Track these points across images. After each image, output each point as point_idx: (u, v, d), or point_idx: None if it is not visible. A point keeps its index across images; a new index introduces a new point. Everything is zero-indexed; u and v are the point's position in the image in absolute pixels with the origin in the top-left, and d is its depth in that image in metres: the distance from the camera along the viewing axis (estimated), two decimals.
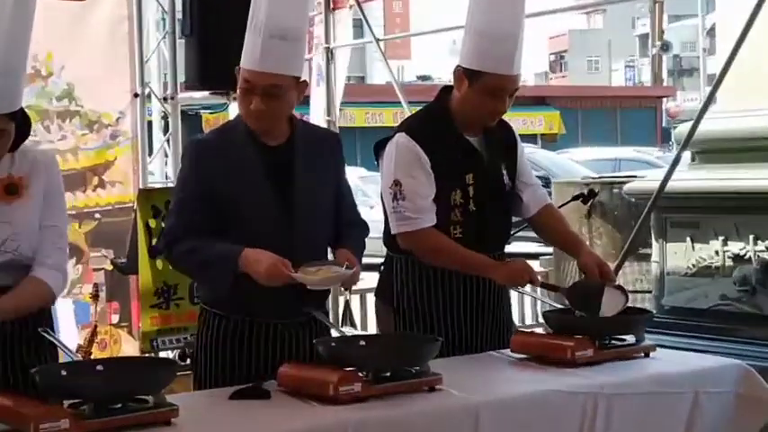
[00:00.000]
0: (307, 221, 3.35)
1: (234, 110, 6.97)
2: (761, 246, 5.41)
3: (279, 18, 3.23)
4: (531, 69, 49.40)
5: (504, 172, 3.80)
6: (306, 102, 7.08)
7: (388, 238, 3.75)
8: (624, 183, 6.86)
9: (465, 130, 3.73)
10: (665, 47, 37.70)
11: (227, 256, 3.20)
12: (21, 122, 3.03)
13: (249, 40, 3.26)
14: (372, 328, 7.35)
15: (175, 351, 5.23)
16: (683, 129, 5.82)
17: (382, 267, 3.85)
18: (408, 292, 3.74)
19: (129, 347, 5.93)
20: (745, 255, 5.49)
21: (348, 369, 2.97)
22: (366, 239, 3.57)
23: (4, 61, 2.89)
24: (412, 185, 3.62)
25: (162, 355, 5.19)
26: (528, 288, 3.84)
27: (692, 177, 5.84)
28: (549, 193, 13.68)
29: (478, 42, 3.61)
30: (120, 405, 2.65)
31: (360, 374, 2.95)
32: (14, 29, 2.90)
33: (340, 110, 7.59)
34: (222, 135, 3.43)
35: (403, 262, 3.75)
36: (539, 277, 3.73)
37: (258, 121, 3.32)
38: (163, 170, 6.68)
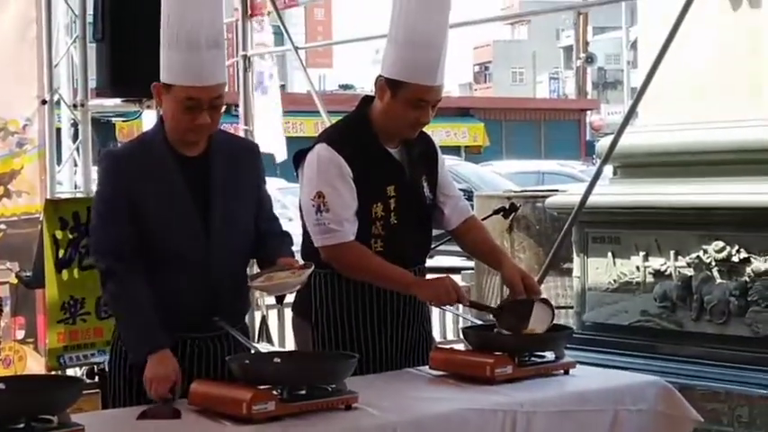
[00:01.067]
0: (224, 233, 3.30)
1: (147, 117, 6.84)
2: (681, 261, 5.43)
3: (205, 27, 3.18)
4: (455, 80, 49.82)
5: (425, 184, 3.76)
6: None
7: (307, 251, 3.66)
8: (546, 197, 6.84)
9: (386, 141, 3.68)
10: (590, 59, 38.27)
11: (144, 338, 3.18)
12: None
13: (178, 55, 3.18)
14: (290, 344, 7.25)
15: (84, 368, 5.06)
16: (605, 142, 5.82)
17: None
18: (327, 307, 3.68)
19: (35, 364, 5.77)
20: (665, 270, 5.50)
21: (262, 387, 2.92)
22: None
23: None
24: (335, 197, 3.56)
25: (69, 372, 5.04)
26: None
27: (614, 192, 5.85)
28: (472, 206, 13.74)
29: (401, 52, 3.57)
30: (22, 425, 2.59)
31: (274, 392, 2.91)
32: None
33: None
34: (139, 146, 3.38)
35: (322, 276, 3.67)
36: (467, 295, 3.67)
37: (202, 135, 3.28)
38: (72, 179, 6.50)
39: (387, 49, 3.64)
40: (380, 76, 3.63)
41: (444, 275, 3.62)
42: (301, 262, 3.37)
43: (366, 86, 37.91)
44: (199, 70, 3.18)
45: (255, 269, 3.45)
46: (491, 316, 3.64)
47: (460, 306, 4.00)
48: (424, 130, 3.77)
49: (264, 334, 7.10)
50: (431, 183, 3.78)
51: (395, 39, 3.60)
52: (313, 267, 3.27)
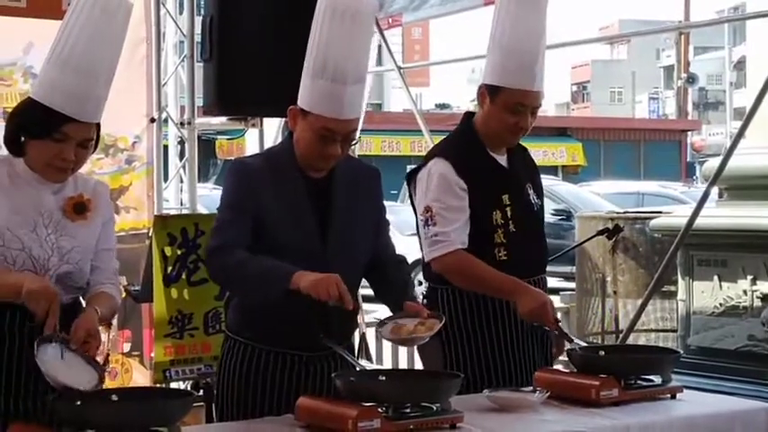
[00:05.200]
0: (341, 255, 3.32)
1: (250, 136, 6.93)
2: None
3: (353, 61, 3.22)
4: (552, 100, 49.47)
5: (531, 191, 3.83)
6: None
7: (428, 269, 3.73)
8: (650, 218, 6.77)
9: (493, 150, 3.78)
10: (691, 79, 37.67)
11: (281, 273, 3.15)
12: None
13: (322, 85, 3.21)
14: (388, 362, 7.25)
15: (187, 382, 5.14)
16: (712, 164, 5.74)
17: (425, 300, 3.80)
18: (458, 323, 3.71)
19: (140, 377, 5.85)
20: None
21: (367, 404, 2.93)
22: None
23: (108, 71, 3.02)
24: (441, 210, 3.63)
25: (174, 385, 5.11)
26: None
27: (720, 214, 5.77)
28: (572, 227, 13.57)
29: (500, 58, 3.68)
30: None
31: (379, 410, 2.91)
32: (118, 38, 3.04)
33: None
34: (267, 161, 3.41)
35: (449, 292, 3.73)
36: (556, 323, 3.66)
37: (330, 164, 3.32)
38: (178, 197, 6.60)
39: (487, 57, 3.75)
40: (481, 84, 3.74)
41: (544, 295, 3.63)
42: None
43: (462, 105, 37.89)
44: (340, 103, 3.20)
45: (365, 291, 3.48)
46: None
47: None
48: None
49: (364, 351, 7.11)
50: (535, 189, 3.86)
51: (494, 46, 3.71)
52: (443, 320, 3.25)
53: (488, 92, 3.71)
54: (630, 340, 6.20)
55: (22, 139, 3.03)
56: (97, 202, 3.15)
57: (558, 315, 3.75)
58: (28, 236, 3.02)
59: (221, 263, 3.26)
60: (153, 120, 6.14)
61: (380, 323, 3.31)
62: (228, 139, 7.59)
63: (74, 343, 2.87)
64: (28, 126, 3.01)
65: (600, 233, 6.79)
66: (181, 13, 6.49)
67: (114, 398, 2.80)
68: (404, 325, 3.24)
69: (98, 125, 3.08)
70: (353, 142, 3.34)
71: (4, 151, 3.12)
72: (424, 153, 4.03)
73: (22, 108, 3.08)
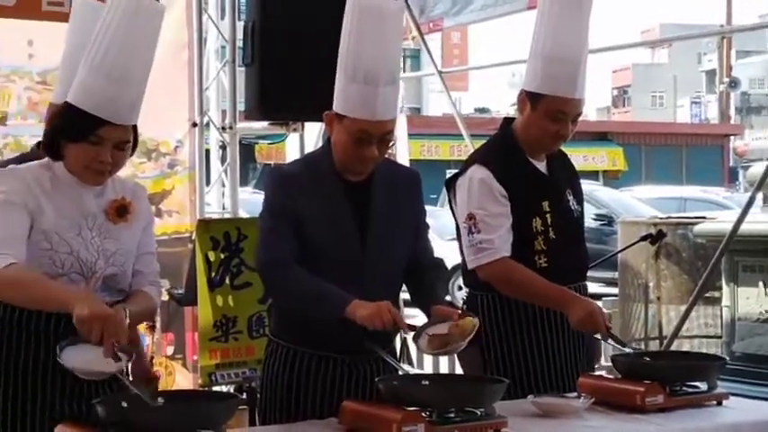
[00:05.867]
0: (380, 259, 3.32)
1: (291, 141, 6.94)
2: None
3: (385, 62, 3.21)
4: (593, 104, 49.25)
5: (571, 197, 3.81)
6: None
7: (468, 275, 3.73)
8: (693, 224, 6.72)
9: (532, 156, 3.75)
10: (734, 83, 37.34)
11: (336, 302, 3.16)
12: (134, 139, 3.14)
13: (355, 88, 3.21)
14: (429, 366, 7.24)
15: (230, 386, 5.15)
16: (757, 169, 5.70)
17: (465, 306, 3.80)
18: (498, 329, 3.70)
19: (184, 380, 5.88)
20: None
21: (411, 409, 2.92)
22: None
23: (142, 74, 3.03)
24: (485, 217, 3.61)
25: (217, 389, 5.12)
26: None
27: (766, 220, 5.69)
28: (613, 232, 13.50)
29: (542, 65, 3.65)
30: None
31: (423, 414, 2.91)
32: (150, 41, 3.05)
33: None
34: (306, 166, 3.42)
35: (489, 299, 3.72)
36: (608, 330, 3.62)
37: (368, 167, 3.32)
38: (220, 201, 6.62)
39: (528, 63, 3.72)
40: (522, 90, 3.72)
41: (594, 303, 3.61)
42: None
43: (502, 110, 37.80)
44: (374, 105, 3.20)
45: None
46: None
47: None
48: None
49: (405, 356, 7.11)
50: (575, 195, 3.83)
51: (536, 53, 3.68)
52: (477, 323, 3.22)
53: (529, 98, 3.68)
54: (674, 347, 6.15)
55: (61, 143, 3.05)
56: (137, 204, 3.18)
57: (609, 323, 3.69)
58: (75, 239, 3.04)
59: (276, 280, 3.29)
60: (195, 124, 6.18)
61: (415, 335, 3.29)
62: (270, 144, 7.60)
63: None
64: (65, 130, 3.04)
65: (643, 239, 6.75)
66: (222, 18, 6.52)
67: (160, 401, 2.80)
68: (438, 334, 3.21)
69: (134, 127, 3.10)
70: (390, 144, 3.32)
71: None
72: (463, 157, 4.02)
73: (60, 112, 3.10)
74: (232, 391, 5.10)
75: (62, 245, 3.02)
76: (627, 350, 3.60)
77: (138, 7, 3.00)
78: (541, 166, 3.78)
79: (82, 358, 2.81)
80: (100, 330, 2.75)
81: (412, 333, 3.25)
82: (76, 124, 3.00)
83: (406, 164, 7.96)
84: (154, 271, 3.24)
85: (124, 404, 2.75)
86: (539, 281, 3.61)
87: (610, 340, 3.63)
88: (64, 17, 5.17)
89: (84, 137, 2.99)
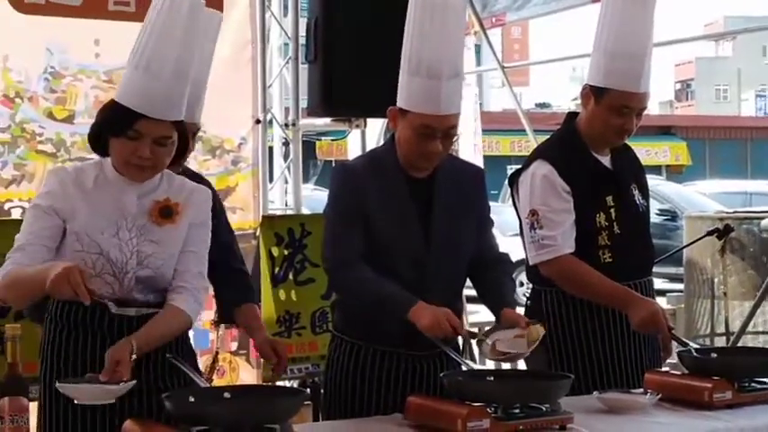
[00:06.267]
0: (443, 255, 3.33)
1: (352, 138, 6.96)
2: None
3: (448, 56, 3.21)
4: (655, 98, 48.56)
5: (636, 192, 3.78)
6: None
7: (532, 271, 3.72)
8: (760, 218, 6.62)
9: (596, 151, 3.74)
10: None
11: (401, 303, 3.18)
12: (181, 137, 3.10)
13: (418, 83, 3.22)
14: (491, 362, 7.21)
15: (294, 381, 5.18)
16: None
17: (528, 302, 3.81)
18: (562, 325, 3.70)
19: (247, 375, 5.91)
20: None
21: (476, 404, 2.92)
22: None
23: (176, 68, 2.99)
24: (548, 213, 3.60)
25: (280, 384, 5.15)
26: None
27: None
28: (677, 228, 13.34)
29: (606, 59, 3.64)
30: None
31: (488, 410, 2.90)
32: (188, 36, 3.01)
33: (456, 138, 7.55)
34: (371, 162, 3.43)
35: (553, 295, 3.71)
36: (670, 331, 3.60)
37: (432, 162, 3.32)
38: (283, 197, 6.65)
39: (592, 57, 3.71)
40: (586, 84, 3.70)
41: (655, 304, 3.59)
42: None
43: (563, 104, 37.51)
44: (437, 100, 3.20)
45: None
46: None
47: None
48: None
49: (468, 351, 7.08)
50: (641, 190, 3.81)
51: (600, 47, 3.67)
52: (543, 333, 3.22)
53: (593, 93, 3.67)
54: (740, 343, 6.07)
55: (106, 138, 3.06)
56: (188, 206, 3.13)
57: (671, 323, 3.66)
58: (107, 240, 3.03)
59: (342, 279, 3.32)
60: (258, 121, 6.20)
61: (479, 340, 3.29)
62: (332, 140, 7.63)
63: (103, 375, 2.86)
64: (106, 125, 3.05)
65: (710, 233, 6.68)
66: (285, 15, 6.55)
67: (227, 395, 2.82)
68: (503, 341, 3.21)
69: (181, 123, 3.07)
70: (454, 138, 3.32)
71: None
72: (524, 153, 4.02)
73: (104, 108, 3.12)
74: (296, 386, 5.14)
75: (92, 246, 3.03)
76: (690, 346, 3.56)
77: (171, 2, 3.00)
78: (605, 160, 3.76)
79: (83, 390, 2.86)
80: (70, 287, 2.74)
81: (473, 328, 3.25)
82: (115, 119, 3.01)
83: (480, 158, 7.96)
84: (194, 271, 3.14)
85: (191, 398, 2.77)
86: (601, 279, 3.59)
87: (672, 341, 3.61)
88: (130, 17, 5.25)
89: (122, 131, 2.99)
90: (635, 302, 3.57)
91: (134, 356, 2.88)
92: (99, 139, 3.08)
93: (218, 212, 3.57)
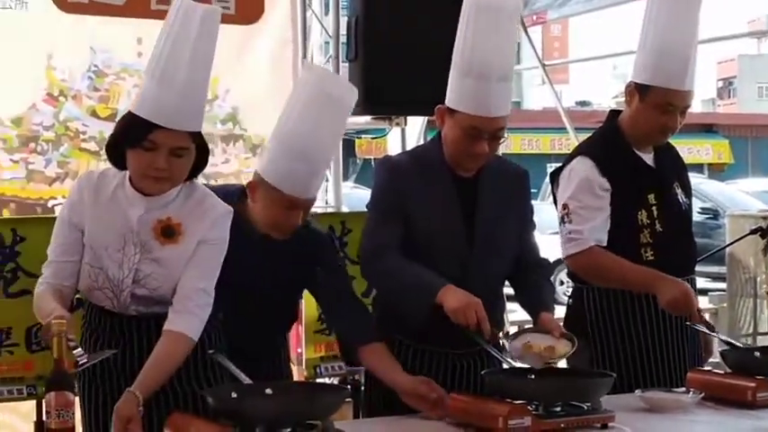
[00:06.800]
0: (486, 256, 3.34)
1: (392, 136, 6.95)
2: None
3: (498, 59, 3.22)
4: (697, 95, 47.97)
5: (679, 190, 3.78)
6: None
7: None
8: None
9: (638, 148, 3.74)
10: None
11: (429, 286, 3.16)
12: (199, 149, 3.06)
13: (468, 83, 3.22)
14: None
15: (335, 378, 5.19)
16: None
17: (570, 300, 3.81)
18: (603, 322, 3.70)
19: None
20: None
21: (517, 402, 2.92)
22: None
23: (189, 78, 2.96)
24: (578, 208, 3.62)
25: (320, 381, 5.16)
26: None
27: None
28: (719, 226, 13.25)
29: (651, 57, 3.64)
30: (289, 429, 2.66)
31: (529, 408, 2.91)
32: (201, 45, 2.98)
33: None
34: (416, 159, 3.43)
35: (595, 292, 3.72)
36: (699, 313, 3.59)
37: (478, 163, 3.32)
38: (323, 195, 6.66)
39: (637, 54, 3.71)
40: (630, 81, 3.70)
41: (685, 285, 3.57)
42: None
43: (603, 102, 37.26)
44: (486, 101, 3.21)
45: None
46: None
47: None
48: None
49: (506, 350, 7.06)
50: (683, 188, 3.80)
51: (645, 45, 3.67)
52: (576, 345, 3.18)
53: (638, 90, 3.67)
54: None
55: (123, 150, 3.03)
56: (198, 221, 3.05)
57: (706, 315, 3.65)
58: (109, 256, 3.03)
59: (375, 268, 3.31)
60: None
61: (512, 336, 3.29)
62: (372, 138, 7.63)
63: None
64: (122, 136, 3.03)
65: (752, 232, 6.61)
66: (326, 13, 6.57)
67: (269, 391, 2.83)
68: (533, 345, 3.21)
69: (199, 135, 3.02)
70: (501, 140, 3.32)
71: None
72: (564, 151, 4.02)
73: (121, 120, 3.10)
74: (336, 383, 5.15)
75: (95, 260, 3.05)
76: (717, 336, 3.57)
77: (187, 10, 2.97)
78: (648, 158, 3.75)
79: None
80: (56, 338, 2.68)
81: (513, 327, 3.24)
82: (131, 129, 2.98)
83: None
84: (196, 287, 3.03)
85: (234, 394, 2.79)
86: (626, 264, 3.59)
87: (699, 325, 3.60)
88: None
89: (138, 142, 2.96)
90: (663, 282, 3.55)
91: (141, 409, 2.82)
92: (116, 151, 3.05)
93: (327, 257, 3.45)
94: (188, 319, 3.00)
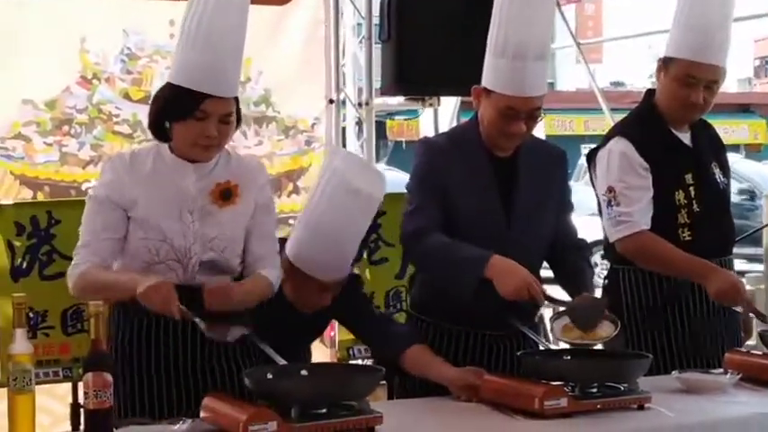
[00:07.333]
0: (524, 234, 3.32)
1: (425, 118, 6.93)
2: None
3: (535, 39, 3.20)
4: (733, 75, 47.68)
5: (716, 170, 3.74)
6: None
7: (610, 249, 3.70)
8: None
9: (675, 127, 3.71)
10: None
11: (476, 260, 3.14)
12: (237, 113, 3.11)
13: (504, 64, 3.20)
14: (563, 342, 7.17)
15: (368, 360, 5.20)
16: None
17: (606, 281, 3.78)
18: (640, 304, 3.68)
19: (321, 355, 5.93)
20: None
21: (554, 383, 2.92)
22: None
23: (234, 44, 3.00)
24: (625, 190, 3.58)
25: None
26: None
27: None
28: (755, 207, 13.12)
29: (679, 31, 3.63)
30: (324, 410, 2.66)
31: (566, 389, 2.90)
32: (239, 13, 3.01)
33: None
34: (454, 140, 3.42)
35: (631, 273, 3.69)
36: (749, 303, 3.57)
37: (515, 142, 3.30)
38: None
39: (670, 31, 3.69)
40: (660, 58, 3.70)
41: (734, 275, 3.57)
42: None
43: (637, 83, 36.98)
44: (522, 81, 3.19)
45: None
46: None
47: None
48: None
49: (543, 332, 7.04)
50: (721, 168, 3.77)
51: (677, 21, 3.65)
52: (618, 326, 3.16)
53: (663, 65, 3.66)
54: None
55: (167, 124, 3.05)
56: (248, 183, 3.13)
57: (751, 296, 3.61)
58: (170, 226, 3.04)
59: (419, 248, 3.28)
60: (331, 101, 6.22)
61: (555, 316, 3.26)
62: (405, 119, 7.63)
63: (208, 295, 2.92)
64: (169, 110, 3.03)
65: None
66: None
67: (304, 372, 2.84)
68: (574, 327, 3.18)
69: (236, 99, 3.07)
70: (538, 120, 3.29)
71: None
72: (598, 132, 4.01)
73: (162, 93, 3.09)
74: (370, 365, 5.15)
75: (156, 232, 3.04)
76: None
77: None
78: (685, 137, 3.72)
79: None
80: (161, 303, 2.82)
81: (550, 309, 3.22)
82: (180, 102, 2.99)
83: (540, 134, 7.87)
84: (274, 253, 3.18)
85: (270, 375, 2.79)
86: (677, 253, 3.56)
87: (750, 314, 3.56)
88: None
89: (189, 113, 2.99)
90: (713, 273, 3.53)
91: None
92: (161, 125, 3.07)
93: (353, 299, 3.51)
94: (269, 272, 3.11)
